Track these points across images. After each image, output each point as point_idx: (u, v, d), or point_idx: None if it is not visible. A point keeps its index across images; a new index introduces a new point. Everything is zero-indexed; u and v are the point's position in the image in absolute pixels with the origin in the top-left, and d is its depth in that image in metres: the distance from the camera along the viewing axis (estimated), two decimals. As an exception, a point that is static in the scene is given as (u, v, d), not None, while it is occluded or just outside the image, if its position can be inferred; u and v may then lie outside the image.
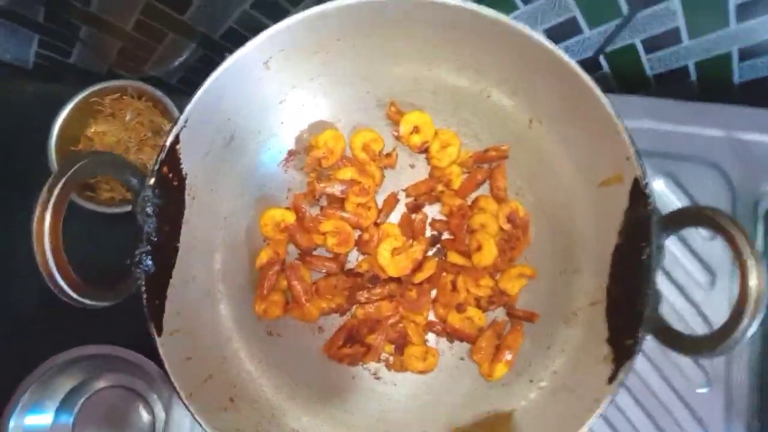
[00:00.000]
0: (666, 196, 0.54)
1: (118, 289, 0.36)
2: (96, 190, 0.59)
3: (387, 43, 0.45)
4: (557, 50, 0.39)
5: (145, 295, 0.37)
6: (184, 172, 0.40)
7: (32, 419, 0.56)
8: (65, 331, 0.60)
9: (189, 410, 0.37)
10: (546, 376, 0.44)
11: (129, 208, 0.52)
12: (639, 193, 0.38)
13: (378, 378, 0.48)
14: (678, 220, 0.36)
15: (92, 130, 0.59)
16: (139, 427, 0.61)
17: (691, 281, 0.52)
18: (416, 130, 0.49)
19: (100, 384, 0.60)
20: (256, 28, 0.40)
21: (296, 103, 0.47)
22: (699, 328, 0.51)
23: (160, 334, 0.37)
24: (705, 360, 0.51)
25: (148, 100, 0.59)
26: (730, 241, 0.33)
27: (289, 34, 0.41)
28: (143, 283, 0.36)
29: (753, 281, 0.32)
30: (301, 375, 0.46)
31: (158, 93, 0.58)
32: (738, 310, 0.32)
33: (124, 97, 0.59)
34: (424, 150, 0.50)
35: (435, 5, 0.40)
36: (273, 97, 0.46)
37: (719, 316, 0.51)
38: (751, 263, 0.32)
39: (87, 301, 0.33)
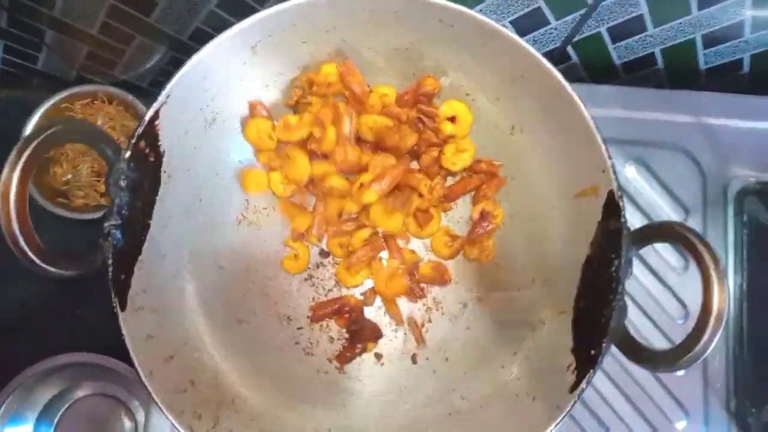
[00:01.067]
0: (637, 182, 0.55)
1: (85, 261, 0.36)
2: (69, 197, 0.58)
3: (375, 40, 0.45)
4: (540, 57, 0.39)
5: (111, 268, 0.36)
6: (161, 149, 0.40)
7: (11, 430, 0.55)
8: (44, 339, 0.59)
9: (148, 389, 0.37)
10: (510, 383, 0.44)
11: (102, 213, 0.52)
12: (613, 206, 0.38)
13: (343, 373, 0.48)
14: (650, 234, 0.37)
15: (63, 137, 0.59)
16: (123, 436, 0.60)
17: (665, 265, 0.53)
18: (453, 119, 0.47)
19: (81, 392, 0.60)
20: (224, 28, 0.40)
21: (281, 91, 0.47)
22: (674, 311, 0.52)
23: (123, 309, 0.37)
24: (681, 342, 0.51)
25: (120, 105, 0.58)
26: (698, 258, 0.33)
27: (278, 21, 0.41)
28: (110, 255, 0.36)
29: (715, 298, 0.32)
30: (266, 365, 0.46)
31: (129, 97, 0.57)
32: (699, 327, 0.33)
33: (95, 102, 0.58)
34: (432, 145, 0.48)
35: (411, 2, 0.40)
36: (258, 82, 0.46)
37: (693, 298, 0.52)
38: (714, 281, 0.33)
39: (51, 269, 0.33)
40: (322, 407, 0.46)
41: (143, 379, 0.37)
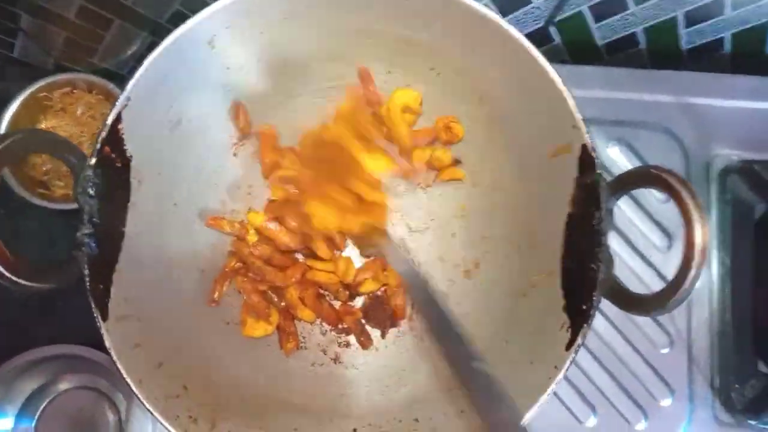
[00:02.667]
0: (620, 161, 0.55)
1: (61, 273, 0.35)
2: (50, 188, 0.58)
3: (336, 22, 0.44)
4: (496, 17, 0.39)
5: (87, 279, 0.35)
6: (128, 154, 0.39)
7: (-8, 423, 0.55)
8: (24, 332, 0.58)
9: (138, 398, 0.36)
10: (507, 350, 0.43)
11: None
12: (587, 159, 0.38)
13: (339, 363, 0.48)
14: (627, 182, 0.37)
15: (42, 127, 0.58)
16: (105, 429, 0.59)
17: (649, 244, 0.53)
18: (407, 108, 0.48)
19: (63, 386, 0.59)
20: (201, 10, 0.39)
21: (243, 86, 0.47)
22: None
23: (105, 319, 0.36)
24: (666, 320, 0.51)
25: (100, 93, 0.58)
26: (675, 196, 0.34)
27: (232, 12, 0.40)
28: (86, 265, 0.35)
29: (698, 233, 0.33)
30: (259, 363, 0.46)
31: (110, 85, 0.57)
32: (685, 262, 0.33)
33: (75, 91, 0.57)
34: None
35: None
36: (219, 78, 0.45)
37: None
38: (695, 215, 0.33)
39: (25, 283, 0.32)
40: (322, 399, 0.46)
41: (133, 388, 0.36)
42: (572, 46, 0.60)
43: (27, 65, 0.60)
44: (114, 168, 0.38)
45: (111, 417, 0.59)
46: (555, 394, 0.47)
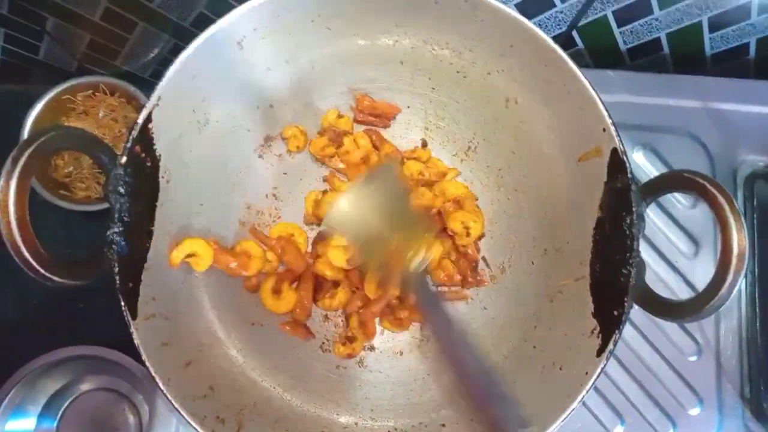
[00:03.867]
0: (645, 167, 0.54)
1: (89, 268, 0.35)
2: (71, 190, 0.58)
3: (363, 27, 0.44)
4: (528, 22, 0.39)
5: (117, 277, 0.35)
6: (157, 153, 0.39)
7: (14, 424, 0.54)
8: (45, 333, 0.58)
9: (167, 397, 0.36)
10: (534, 356, 0.43)
11: (106, 205, 0.52)
12: (618, 164, 0.37)
13: (363, 366, 0.48)
14: (658, 186, 0.36)
15: (65, 129, 0.58)
16: (125, 430, 0.59)
17: (675, 250, 0.52)
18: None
19: (84, 387, 0.59)
20: (227, 13, 0.40)
21: (270, 86, 0.47)
22: (686, 296, 0.51)
23: (134, 318, 0.36)
24: (694, 328, 0.51)
25: (122, 96, 0.58)
26: (711, 201, 0.33)
27: (261, 13, 0.40)
28: (116, 264, 0.35)
29: (734, 237, 0.32)
30: (284, 365, 0.46)
31: (132, 88, 0.57)
32: (722, 267, 0.32)
33: (97, 93, 0.58)
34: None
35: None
36: (247, 79, 0.45)
37: (705, 282, 0.51)
38: (731, 220, 0.32)
39: (55, 278, 0.32)
40: (346, 402, 0.45)
41: (161, 387, 0.36)
42: (595, 51, 0.60)
43: (51, 67, 0.60)
44: (143, 167, 0.38)
45: (131, 419, 0.59)
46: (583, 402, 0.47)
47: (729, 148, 0.54)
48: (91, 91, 0.57)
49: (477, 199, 0.49)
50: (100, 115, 0.59)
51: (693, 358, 0.50)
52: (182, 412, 0.36)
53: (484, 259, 0.49)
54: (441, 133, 0.50)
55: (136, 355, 0.55)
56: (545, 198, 0.45)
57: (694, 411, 0.49)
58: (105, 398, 0.59)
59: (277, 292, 0.45)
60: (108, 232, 0.35)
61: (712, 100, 0.54)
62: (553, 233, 0.44)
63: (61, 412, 0.58)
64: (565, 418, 0.36)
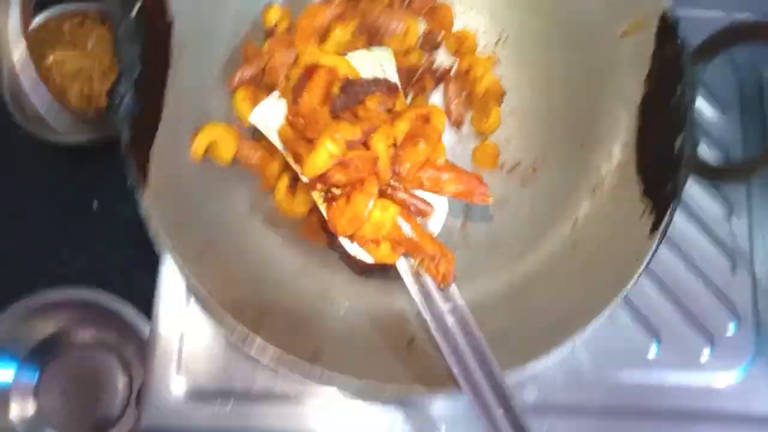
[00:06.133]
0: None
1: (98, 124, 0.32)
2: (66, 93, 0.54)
3: None
4: None
5: (127, 136, 0.32)
6: (170, 15, 0.36)
7: (-8, 370, 0.50)
8: (39, 272, 0.54)
9: (189, 279, 0.32)
10: (579, 252, 0.40)
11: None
12: (667, 29, 0.36)
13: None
14: (713, 44, 0.35)
15: (51, 60, 0.55)
16: (114, 392, 0.55)
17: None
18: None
19: (73, 338, 0.54)
20: None
21: None
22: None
23: (144, 188, 0.33)
24: (728, 239, 0.48)
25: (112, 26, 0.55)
26: None
27: None
28: (125, 122, 0.32)
29: None
30: (304, 268, 0.41)
31: (123, 18, 0.54)
32: None
33: (86, 21, 0.55)
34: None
35: None
36: None
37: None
38: None
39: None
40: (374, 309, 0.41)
41: (180, 270, 0.32)
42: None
43: (35, -7, 0.57)
44: (155, 28, 0.35)
45: (121, 378, 0.55)
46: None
47: (756, 60, 0.52)
48: (79, 19, 0.55)
49: (504, 94, 0.46)
50: (89, 45, 0.56)
51: (728, 275, 0.48)
52: (210, 296, 0.32)
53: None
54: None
55: (136, 302, 0.52)
56: (582, 85, 0.43)
57: (731, 328, 0.47)
58: (95, 354, 0.55)
59: (293, 192, 0.42)
60: (116, 88, 0.32)
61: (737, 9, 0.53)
62: (589, 123, 0.42)
63: (44, 366, 0.53)
64: (612, 306, 0.34)
